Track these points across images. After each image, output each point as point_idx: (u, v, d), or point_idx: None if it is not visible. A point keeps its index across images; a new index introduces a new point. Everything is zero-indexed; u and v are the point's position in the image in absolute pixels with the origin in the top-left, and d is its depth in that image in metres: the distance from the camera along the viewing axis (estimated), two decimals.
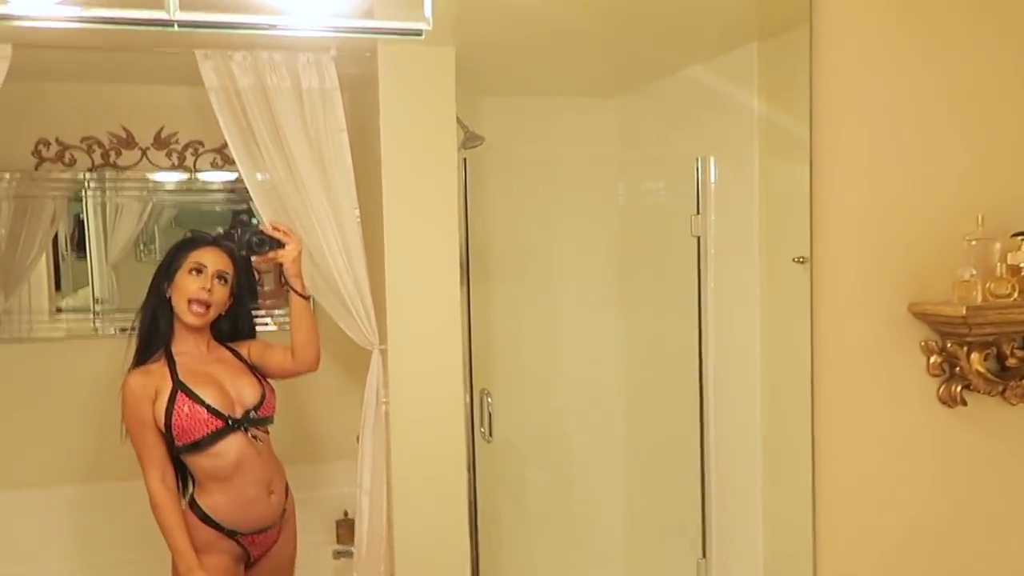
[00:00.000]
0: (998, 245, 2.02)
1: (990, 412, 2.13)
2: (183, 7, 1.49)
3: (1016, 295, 1.98)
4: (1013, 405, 2.11)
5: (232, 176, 2.88)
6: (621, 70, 2.74)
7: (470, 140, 2.55)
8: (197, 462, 2.08)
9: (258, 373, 2.21)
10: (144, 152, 2.81)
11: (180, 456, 2.08)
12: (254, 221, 2.21)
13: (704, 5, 2.13)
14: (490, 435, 2.48)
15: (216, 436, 2.06)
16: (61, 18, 1.51)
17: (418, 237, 2.25)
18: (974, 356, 2.02)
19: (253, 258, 2.18)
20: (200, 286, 2.10)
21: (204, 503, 2.10)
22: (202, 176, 2.89)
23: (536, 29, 2.19)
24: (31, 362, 2.78)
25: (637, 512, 2.91)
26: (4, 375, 2.76)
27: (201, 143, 2.85)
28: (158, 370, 2.08)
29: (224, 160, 2.85)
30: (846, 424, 2.08)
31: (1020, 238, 2.02)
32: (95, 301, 2.88)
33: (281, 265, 2.18)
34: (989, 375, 2.03)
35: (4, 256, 2.78)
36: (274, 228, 2.16)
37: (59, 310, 2.87)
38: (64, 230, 2.86)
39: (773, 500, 2.31)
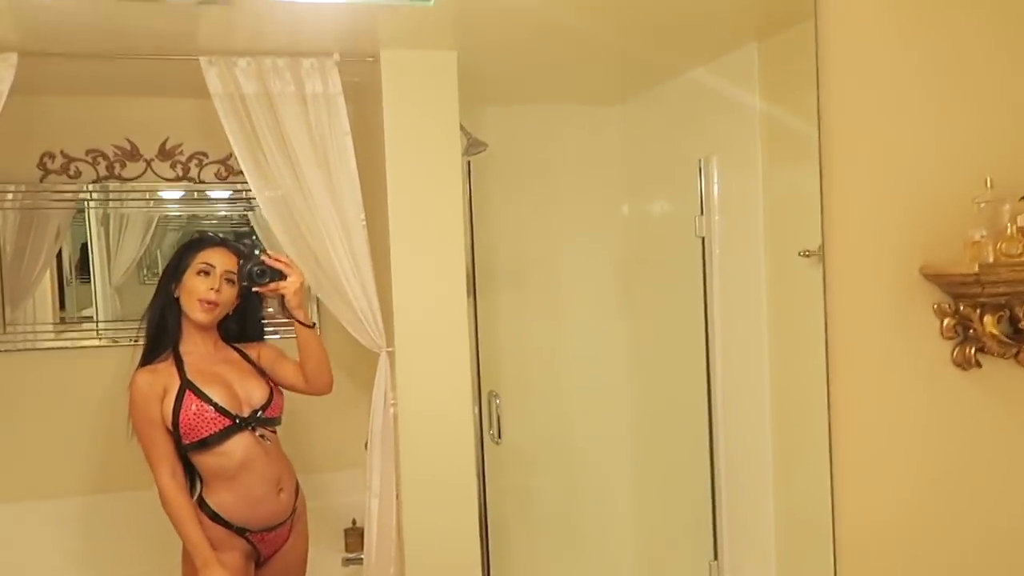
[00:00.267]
0: (1007, 207, 2.02)
1: (1004, 374, 2.13)
2: None
3: None
4: None
5: (233, 191, 2.92)
6: (623, 76, 2.76)
7: (473, 146, 2.56)
8: (205, 460, 2.08)
9: (266, 376, 2.21)
10: (149, 164, 2.83)
11: (188, 454, 2.08)
12: (256, 252, 2.21)
13: (704, 5, 2.14)
14: (499, 437, 2.48)
15: (224, 435, 2.06)
16: None
17: (424, 240, 2.26)
18: (987, 318, 2.02)
19: (255, 289, 2.17)
20: (208, 287, 2.10)
21: (212, 501, 2.09)
22: (207, 192, 2.91)
23: (536, 32, 2.20)
24: (36, 373, 2.78)
25: (647, 514, 2.90)
26: (11, 386, 2.75)
27: (205, 154, 2.86)
28: (166, 369, 2.08)
29: (228, 171, 2.87)
30: (861, 389, 2.08)
31: None
32: (98, 323, 2.88)
33: (283, 296, 2.17)
34: (1003, 337, 2.03)
35: (10, 269, 2.79)
36: (275, 259, 2.15)
37: (63, 320, 2.87)
38: (68, 251, 2.87)
39: (785, 499, 2.30)
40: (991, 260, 1.97)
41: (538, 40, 2.27)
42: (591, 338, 2.92)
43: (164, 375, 2.08)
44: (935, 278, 2.06)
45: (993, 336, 2.03)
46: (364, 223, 2.22)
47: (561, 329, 2.93)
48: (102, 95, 2.75)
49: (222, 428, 2.06)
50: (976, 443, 2.14)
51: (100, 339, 2.87)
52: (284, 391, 2.25)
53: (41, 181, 2.76)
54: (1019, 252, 1.98)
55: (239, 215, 2.96)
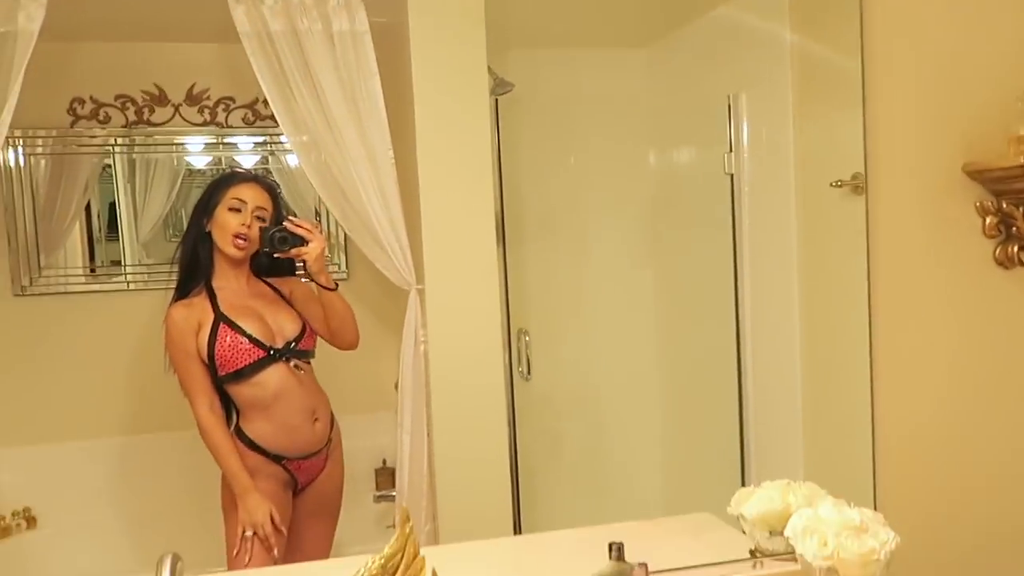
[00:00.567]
0: None
1: None
2: None
3: None
4: None
5: (260, 138, 2.93)
6: (648, 16, 2.74)
7: (500, 86, 2.55)
8: (240, 391, 2.11)
9: (298, 311, 2.24)
10: (177, 109, 2.85)
11: (224, 386, 2.12)
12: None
13: None
14: (528, 374, 2.49)
15: (258, 366, 2.09)
16: None
17: (452, 176, 2.26)
18: None
19: (277, 255, 2.18)
20: (240, 222, 2.12)
21: (249, 430, 2.14)
22: (230, 139, 2.93)
23: None
24: (71, 316, 2.83)
25: (674, 453, 2.91)
26: (48, 328, 2.80)
27: (232, 99, 2.88)
28: (200, 303, 2.12)
29: (255, 116, 2.88)
30: (903, 291, 2.06)
31: None
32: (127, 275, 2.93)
33: (305, 262, 2.18)
34: None
35: (43, 217, 2.83)
36: (296, 225, 2.16)
37: (93, 272, 2.92)
38: (97, 207, 2.91)
39: (814, 436, 2.30)
40: None
41: None
42: (619, 278, 2.92)
43: (198, 309, 2.11)
44: (978, 174, 2.02)
45: None
46: (392, 159, 2.22)
47: (589, 269, 2.93)
48: (130, 40, 2.77)
49: (256, 359, 2.09)
50: (1017, 342, 2.12)
51: (129, 288, 2.92)
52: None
53: (71, 127, 2.79)
54: None
55: (260, 161, 2.99)
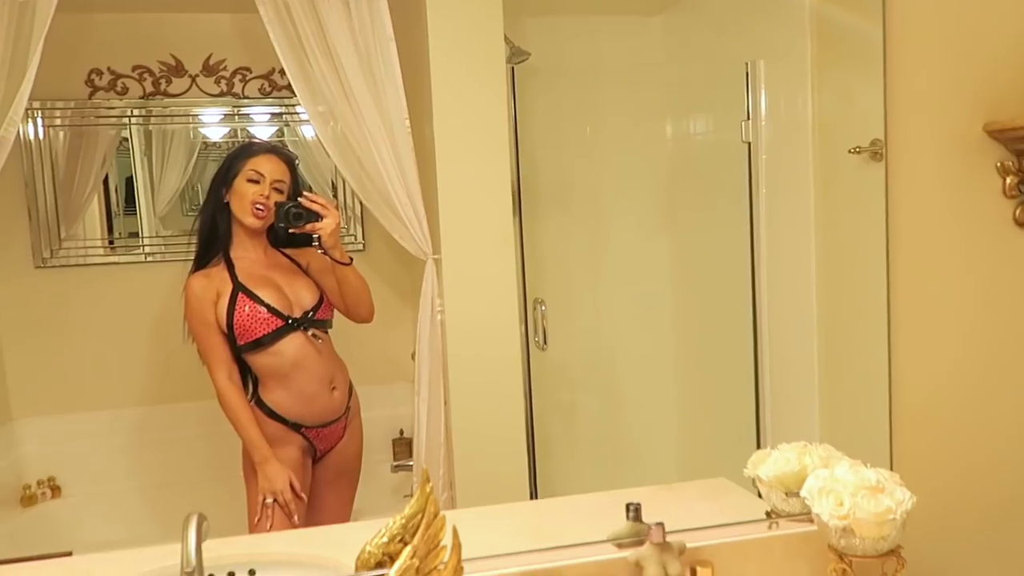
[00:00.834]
0: None
1: None
2: None
3: None
4: None
5: (277, 109, 2.94)
6: None
7: (516, 55, 2.54)
8: (259, 360, 2.13)
9: (316, 281, 2.25)
10: (193, 79, 2.85)
11: (243, 355, 2.14)
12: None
13: None
14: (544, 343, 2.50)
15: (277, 335, 2.11)
16: None
17: (469, 147, 2.25)
18: None
19: (291, 231, 2.19)
20: (258, 193, 2.13)
21: (268, 399, 2.16)
22: (245, 111, 2.94)
23: None
24: (91, 288, 2.86)
25: (691, 419, 2.91)
26: (68, 301, 2.83)
27: (249, 69, 2.88)
28: (218, 273, 2.13)
29: (272, 86, 2.88)
30: (922, 252, 2.04)
31: None
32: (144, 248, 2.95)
33: (320, 237, 2.19)
34: None
35: (62, 189, 2.85)
36: (311, 201, 2.16)
37: (111, 244, 2.94)
38: (114, 181, 2.93)
39: (831, 400, 2.30)
40: None
41: None
42: (635, 247, 2.91)
43: (217, 279, 2.13)
44: (999, 134, 2.00)
45: None
46: (409, 128, 2.22)
47: (605, 238, 2.92)
48: (147, 11, 2.78)
49: (275, 329, 2.11)
50: None
51: (147, 260, 2.94)
52: None
53: (90, 98, 2.80)
54: None
55: (276, 133, 2.99)
